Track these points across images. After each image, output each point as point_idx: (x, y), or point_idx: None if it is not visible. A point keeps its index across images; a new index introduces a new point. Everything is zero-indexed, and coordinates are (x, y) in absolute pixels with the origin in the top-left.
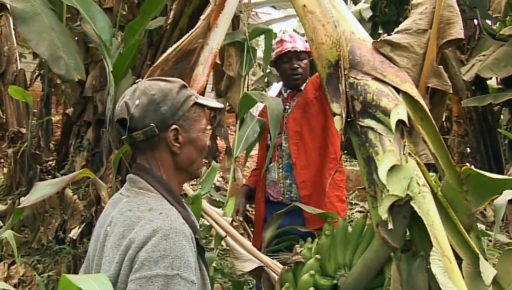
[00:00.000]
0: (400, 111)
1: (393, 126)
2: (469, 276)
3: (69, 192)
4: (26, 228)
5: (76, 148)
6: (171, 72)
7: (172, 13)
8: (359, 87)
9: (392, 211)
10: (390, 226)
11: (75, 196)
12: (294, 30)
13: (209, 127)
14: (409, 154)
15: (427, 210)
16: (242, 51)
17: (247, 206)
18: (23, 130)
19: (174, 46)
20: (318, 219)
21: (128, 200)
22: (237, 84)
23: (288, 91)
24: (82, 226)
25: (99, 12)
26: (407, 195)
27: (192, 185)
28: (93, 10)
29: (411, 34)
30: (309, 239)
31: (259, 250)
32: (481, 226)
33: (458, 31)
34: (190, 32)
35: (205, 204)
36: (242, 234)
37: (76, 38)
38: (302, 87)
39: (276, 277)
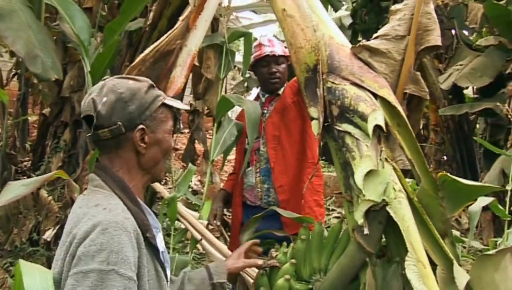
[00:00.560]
0: (377, 117)
1: (370, 132)
2: (443, 281)
3: (44, 193)
4: None
5: (53, 148)
6: (149, 73)
7: (151, 14)
8: (337, 92)
9: (368, 216)
10: (366, 231)
11: (50, 197)
12: (274, 36)
13: (187, 130)
14: (386, 159)
15: (403, 215)
16: (221, 54)
17: (225, 210)
18: None
19: (152, 46)
20: (296, 224)
21: (83, 198)
22: (215, 87)
23: (266, 95)
24: (57, 227)
25: (78, 11)
26: (383, 200)
27: (168, 188)
28: (72, 9)
29: (390, 40)
30: (285, 243)
31: None
32: (456, 233)
33: (435, 38)
34: (169, 33)
35: (181, 206)
36: (218, 238)
37: (54, 37)
38: (280, 92)
39: (251, 280)
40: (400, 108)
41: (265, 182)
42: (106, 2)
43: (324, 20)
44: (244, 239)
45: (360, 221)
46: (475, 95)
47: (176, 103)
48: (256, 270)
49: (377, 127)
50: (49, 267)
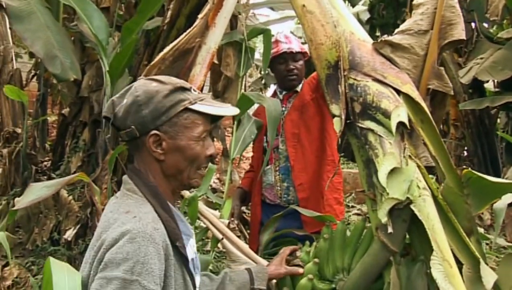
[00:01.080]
0: (400, 113)
1: (393, 129)
2: (470, 280)
3: (64, 193)
4: (20, 229)
5: (72, 148)
6: (168, 71)
7: (169, 13)
8: (359, 88)
9: (391, 215)
10: (390, 230)
11: (70, 197)
12: (292, 32)
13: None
14: (409, 156)
15: (428, 213)
16: (240, 52)
17: (243, 208)
18: (19, 130)
19: (171, 45)
20: (316, 222)
21: (115, 201)
22: (235, 85)
23: (284, 92)
24: (77, 227)
25: (95, 11)
26: (407, 198)
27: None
28: (89, 9)
29: (412, 35)
30: (307, 242)
31: (256, 253)
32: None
33: (459, 32)
34: (188, 31)
35: (201, 206)
36: (238, 237)
37: (72, 38)
38: (298, 89)
39: (274, 280)
40: (423, 104)
41: (284, 180)
42: (123, 1)
43: (344, 16)
44: (264, 238)
45: (384, 219)
46: (496, 89)
47: (209, 109)
48: None
49: (400, 124)
50: None
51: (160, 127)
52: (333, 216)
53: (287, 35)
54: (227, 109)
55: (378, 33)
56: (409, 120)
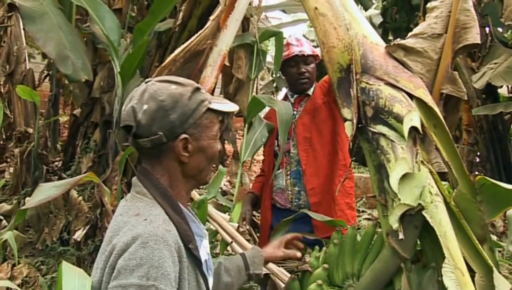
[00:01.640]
0: (413, 118)
1: (405, 133)
2: (483, 289)
3: (74, 193)
4: (30, 229)
5: (83, 149)
6: (179, 73)
7: (181, 14)
8: (371, 92)
9: (403, 220)
10: (401, 236)
11: (80, 197)
12: (304, 36)
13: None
14: (422, 162)
15: (440, 220)
16: (252, 54)
17: (253, 212)
18: (30, 130)
19: (183, 46)
20: (327, 227)
21: (125, 204)
22: (246, 88)
23: (295, 96)
24: (87, 227)
25: (108, 12)
26: (419, 204)
27: (198, 189)
28: (102, 10)
29: (426, 39)
30: (317, 247)
31: None
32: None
33: (474, 36)
34: (199, 32)
35: (211, 208)
36: (248, 240)
37: (84, 39)
38: (309, 92)
39: (283, 285)
40: (436, 109)
41: (295, 184)
42: (135, 3)
43: (357, 19)
44: None
45: (395, 225)
46: (510, 95)
47: (223, 106)
48: (288, 274)
49: (412, 129)
50: (79, 266)
51: (187, 130)
52: (344, 221)
53: (299, 38)
54: (232, 105)
55: (391, 37)
56: (422, 125)
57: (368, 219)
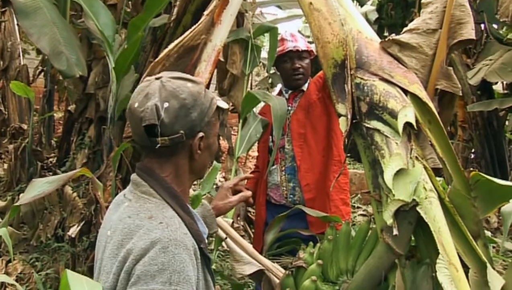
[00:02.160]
0: (407, 114)
1: (400, 129)
2: (476, 285)
3: (68, 189)
4: (25, 225)
5: (78, 145)
6: (173, 68)
7: (175, 9)
8: (365, 88)
9: (397, 216)
10: (395, 232)
11: (75, 194)
12: (299, 31)
13: None
14: (416, 157)
15: (434, 216)
16: (246, 49)
17: (248, 208)
18: (25, 127)
19: (176, 42)
20: (322, 223)
21: (129, 204)
22: (241, 83)
23: (290, 92)
24: (81, 224)
25: (102, 8)
26: (413, 200)
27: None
28: (96, 6)
29: (421, 34)
30: (311, 243)
31: (260, 253)
32: (486, 233)
33: (469, 32)
34: (193, 28)
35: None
36: (243, 236)
37: (79, 34)
38: (304, 88)
39: (277, 280)
40: (431, 104)
41: (290, 180)
42: None
43: (351, 14)
44: (268, 238)
45: (389, 221)
46: (505, 91)
47: (222, 103)
48: (283, 270)
49: (407, 124)
50: (74, 263)
51: (203, 128)
52: (339, 217)
53: (293, 34)
54: (224, 103)
55: (386, 33)
56: (416, 121)
57: (363, 215)
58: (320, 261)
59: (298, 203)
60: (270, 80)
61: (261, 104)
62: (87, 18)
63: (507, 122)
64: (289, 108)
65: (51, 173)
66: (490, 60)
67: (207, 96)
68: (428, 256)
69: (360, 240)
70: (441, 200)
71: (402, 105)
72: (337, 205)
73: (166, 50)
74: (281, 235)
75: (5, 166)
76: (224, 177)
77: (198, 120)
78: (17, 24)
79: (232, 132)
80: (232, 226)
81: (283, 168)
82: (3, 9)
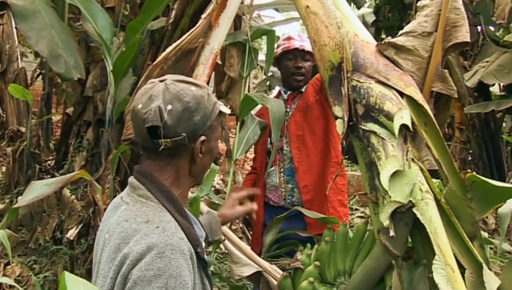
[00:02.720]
0: (403, 116)
1: (396, 131)
2: (473, 286)
3: (67, 192)
4: (23, 228)
5: (76, 147)
6: (171, 71)
7: (173, 13)
8: (362, 90)
9: (394, 218)
10: (392, 233)
11: (73, 196)
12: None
13: None
14: (412, 159)
15: (430, 217)
16: (244, 52)
17: None
18: (23, 129)
19: (174, 45)
20: (320, 224)
21: (127, 208)
22: (238, 86)
23: (288, 92)
24: (80, 226)
25: (100, 11)
26: (410, 201)
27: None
28: (94, 9)
29: (416, 37)
30: (309, 245)
31: (259, 254)
32: (483, 234)
33: (464, 34)
34: (191, 31)
35: (203, 206)
36: (241, 238)
37: (77, 37)
38: (303, 90)
39: (275, 282)
40: (427, 107)
41: (289, 182)
42: (128, 1)
43: (348, 17)
44: (267, 239)
45: (386, 222)
46: (502, 93)
47: (224, 108)
48: (280, 272)
49: (403, 126)
50: (72, 265)
51: (205, 132)
52: (337, 218)
53: (301, 34)
54: (226, 108)
55: (383, 36)
56: (412, 123)
57: (361, 217)
58: (317, 263)
59: (296, 204)
60: (268, 83)
61: (258, 106)
62: (85, 21)
63: (504, 124)
64: (288, 109)
65: (49, 176)
66: (487, 62)
67: (210, 101)
68: (424, 257)
69: (357, 241)
70: (437, 201)
71: (398, 108)
72: (334, 206)
73: (164, 53)
74: (279, 237)
75: (3, 168)
76: (222, 179)
77: (201, 124)
78: (15, 27)
79: (230, 135)
80: (230, 228)
81: (282, 170)
82: (2, 12)
